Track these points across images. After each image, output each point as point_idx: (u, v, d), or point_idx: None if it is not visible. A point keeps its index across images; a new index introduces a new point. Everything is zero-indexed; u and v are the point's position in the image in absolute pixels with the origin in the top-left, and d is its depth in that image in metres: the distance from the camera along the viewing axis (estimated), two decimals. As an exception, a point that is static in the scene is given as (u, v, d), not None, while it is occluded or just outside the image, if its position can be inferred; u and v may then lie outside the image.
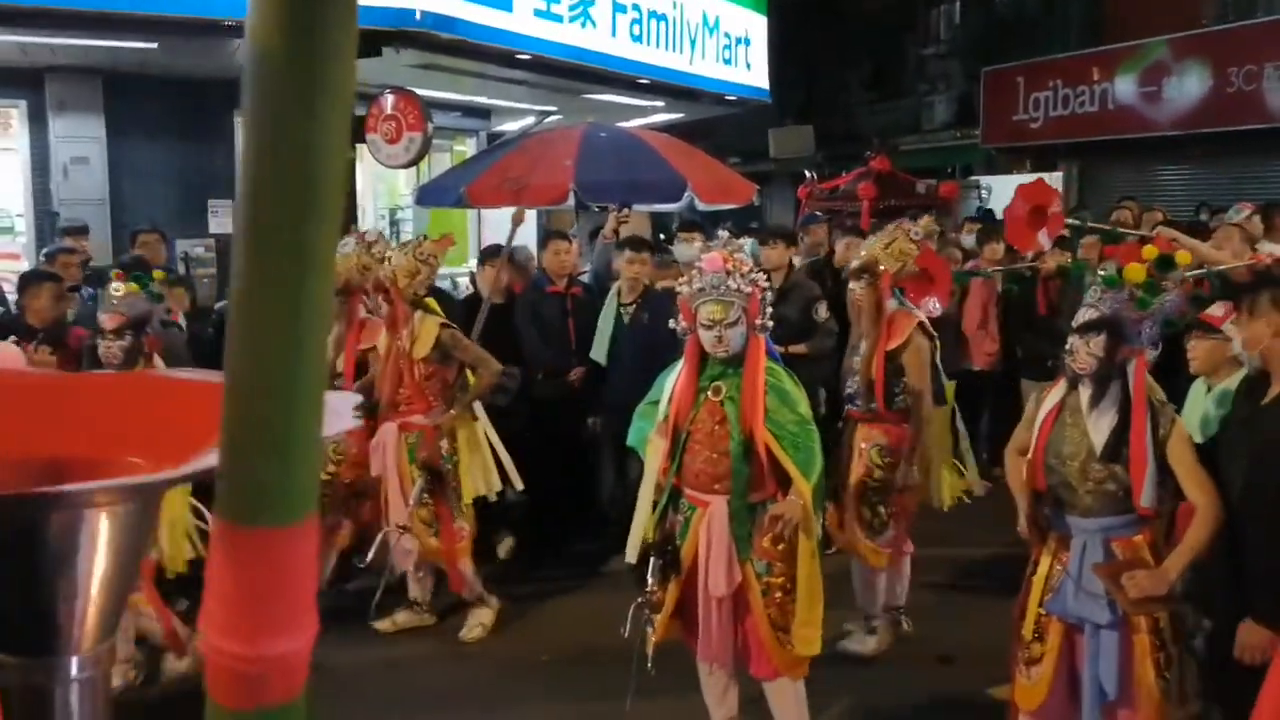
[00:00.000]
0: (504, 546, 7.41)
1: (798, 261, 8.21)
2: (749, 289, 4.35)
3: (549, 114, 14.18)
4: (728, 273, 4.36)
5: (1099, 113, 15.96)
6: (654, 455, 4.53)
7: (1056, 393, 4.07)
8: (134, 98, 11.26)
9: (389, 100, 10.08)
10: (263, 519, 0.75)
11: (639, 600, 4.43)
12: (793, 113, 21.50)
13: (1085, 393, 3.94)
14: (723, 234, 4.74)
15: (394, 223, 14.34)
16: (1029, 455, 4.12)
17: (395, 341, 5.95)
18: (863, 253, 5.83)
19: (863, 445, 5.68)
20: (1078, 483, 3.93)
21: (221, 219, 12.25)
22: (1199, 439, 4.15)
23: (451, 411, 5.96)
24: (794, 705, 4.57)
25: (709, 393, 4.42)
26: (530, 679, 5.65)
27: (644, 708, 4.62)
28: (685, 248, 7.78)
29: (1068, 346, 3.97)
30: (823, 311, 7.29)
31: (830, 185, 12.89)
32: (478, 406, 6.12)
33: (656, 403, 4.66)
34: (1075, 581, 3.91)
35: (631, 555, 4.59)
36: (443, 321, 5.99)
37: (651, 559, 4.46)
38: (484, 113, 14.95)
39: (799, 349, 6.98)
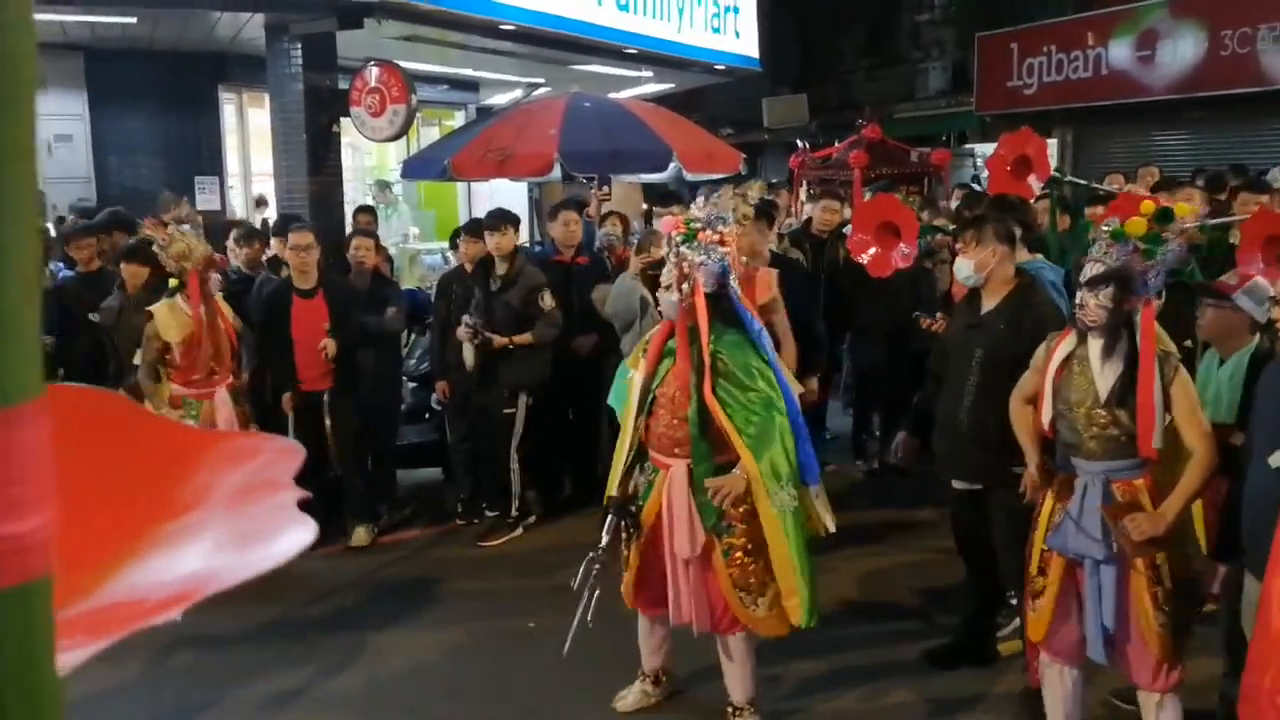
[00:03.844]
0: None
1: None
2: (674, 259, 4.38)
3: (537, 86, 14.09)
4: (668, 239, 4.43)
5: (1093, 78, 15.83)
6: (627, 414, 4.60)
7: (1067, 344, 4.21)
8: (116, 73, 11.19)
9: (373, 73, 10.02)
10: None
11: (590, 554, 4.43)
12: (786, 82, 21.35)
13: (1095, 344, 4.09)
14: (700, 200, 4.69)
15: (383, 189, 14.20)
16: (1039, 403, 4.28)
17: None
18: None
19: None
20: (1083, 428, 4.09)
21: (209, 195, 12.19)
22: (1213, 416, 4.27)
23: None
24: (742, 662, 4.65)
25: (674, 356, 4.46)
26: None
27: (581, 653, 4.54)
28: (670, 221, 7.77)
29: (1077, 300, 4.11)
30: (548, 299, 7.21)
31: (823, 154, 12.79)
32: None
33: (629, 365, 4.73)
34: (1075, 520, 4.10)
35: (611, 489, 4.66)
36: None
37: (610, 516, 4.51)
38: (472, 86, 14.86)
39: (523, 339, 7.10)
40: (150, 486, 1.21)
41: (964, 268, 5.02)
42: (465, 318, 7.05)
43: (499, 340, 7.08)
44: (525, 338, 7.12)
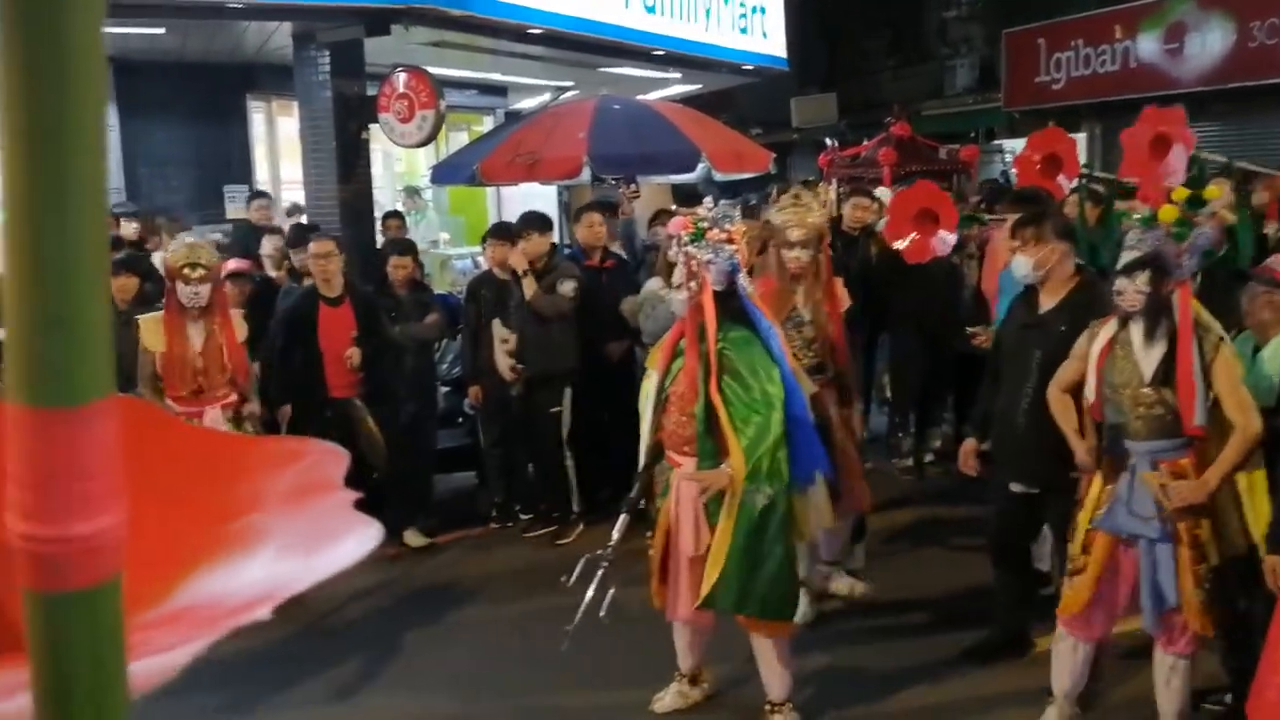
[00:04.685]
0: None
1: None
2: (682, 257, 4.42)
3: (565, 89, 14.09)
4: (675, 238, 4.47)
5: (1121, 72, 15.70)
6: (645, 414, 4.67)
7: (1108, 330, 4.30)
8: (145, 84, 11.23)
9: (401, 79, 10.04)
10: (52, 399, 0.76)
11: (596, 552, 4.48)
12: (814, 81, 21.29)
13: (1137, 328, 4.19)
14: (708, 201, 4.69)
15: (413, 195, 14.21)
16: (1088, 390, 4.38)
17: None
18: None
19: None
20: (1129, 409, 4.19)
21: (239, 204, 12.24)
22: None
23: None
24: (777, 659, 4.64)
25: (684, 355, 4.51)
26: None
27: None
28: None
29: (1115, 288, 4.18)
30: (568, 287, 7.16)
31: (852, 152, 12.74)
32: None
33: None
34: (1125, 502, 4.19)
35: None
36: None
37: (622, 515, 4.58)
38: (500, 90, 14.88)
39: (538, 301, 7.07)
40: (198, 491, 1.20)
41: (1022, 265, 4.95)
42: (513, 364, 7.12)
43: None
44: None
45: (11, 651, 0.89)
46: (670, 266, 4.71)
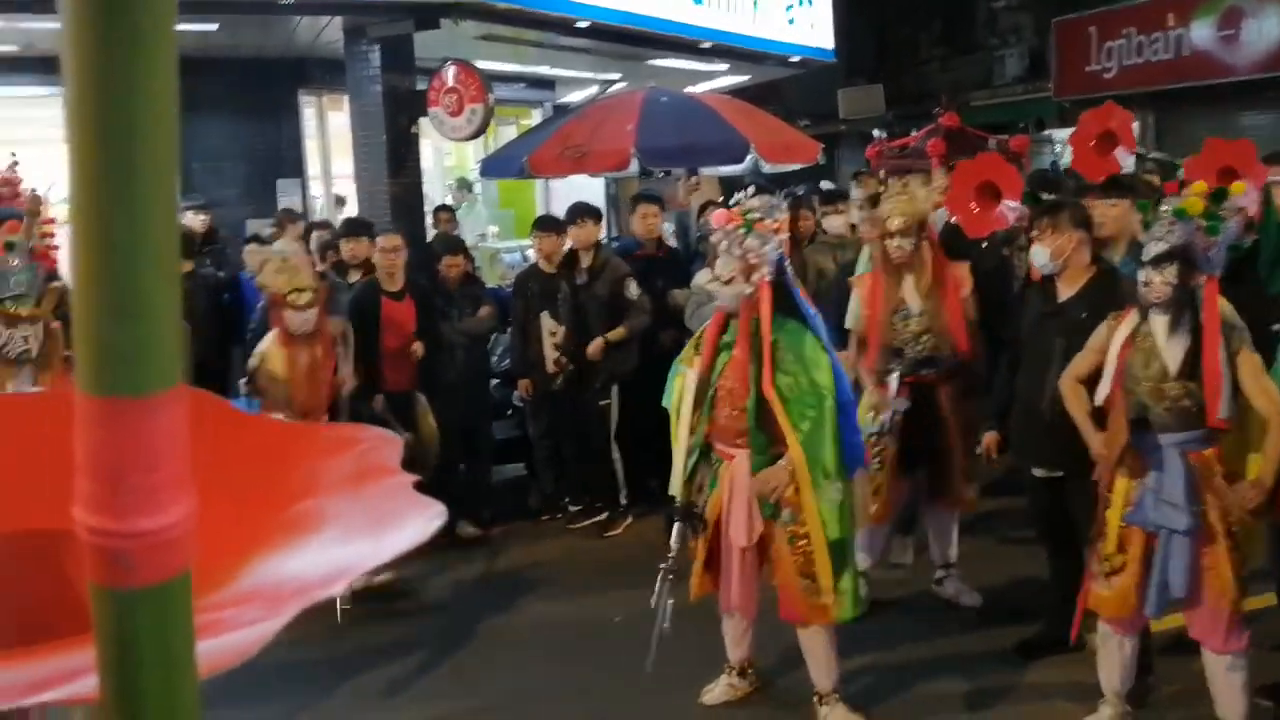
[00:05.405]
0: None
1: (853, 216, 8.06)
2: (738, 251, 4.37)
3: (612, 82, 14.11)
4: (727, 234, 4.42)
5: (1174, 59, 15.48)
6: (684, 411, 4.61)
7: (1129, 323, 4.29)
8: (199, 80, 11.30)
9: (450, 73, 10.09)
10: (118, 387, 0.74)
11: (661, 565, 4.49)
12: (862, 72, 21.18)
13: (1160, 319, 4.18)
14: (749, 190, 4.66)
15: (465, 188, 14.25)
16: (1106, 382, 4.34)
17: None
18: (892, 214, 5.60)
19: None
20: (1153, 402, 4.19)
21: (292, 198, 12.36)
22: None
23: None
24: (823, 651, 4.64)
25: (733, 348, 4.49)
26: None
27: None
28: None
29: (1142, 279, 4.17)
30: (634, 289, 7.21)
31: (900, 144, 12.67)
32: None
33: (684, 358, 4.76)
34: (1154, 493, 4.18)
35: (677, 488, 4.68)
36: None
37: (676, 523, 4.55)
38: (548, 84, 14.92)
39: (618, 334, 7.15)
40: (257, 476, 1.21)
41: (1040, 255, 4.99)
42: (557, 356, 7.15)
43: (593, 350, 7.15)
44: (619, 333, 7.18)
45: (74, 635, 0.89)
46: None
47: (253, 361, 5.93)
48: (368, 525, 1.10)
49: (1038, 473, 5.12)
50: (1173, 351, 4.15)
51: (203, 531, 0.85)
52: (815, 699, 4.72)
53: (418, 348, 6.83)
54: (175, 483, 0.78)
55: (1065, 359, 4.73)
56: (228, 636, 0.90)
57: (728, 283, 4.43)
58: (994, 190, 6.27)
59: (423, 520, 1.08)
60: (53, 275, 5.19)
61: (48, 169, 8.91)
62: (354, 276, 7.36)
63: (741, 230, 4.39)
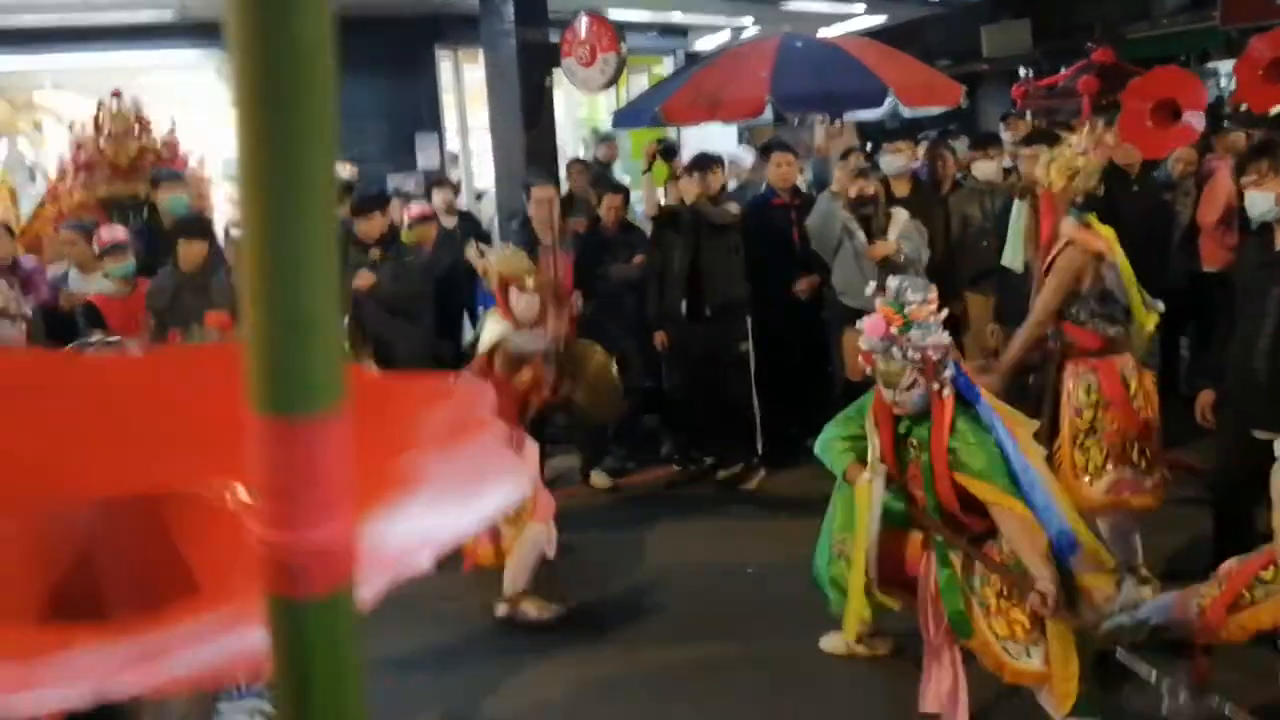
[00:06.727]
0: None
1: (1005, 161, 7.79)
2: (916, 354, 4.00)
3: (744, 28, 13.92)
4: (891, 339, 4.04)
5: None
6: (864, 500, 4.22)
7: None
8: (338, 39, 11.53)
9: (582, 24, 10.07)
10: (290, 407, 0.77)
11: None
12: (1007, 7, 20.43)
13: None
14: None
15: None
16: None
17: None
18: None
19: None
20: None
21: (430, 154, 12.51)
22: None
23: None
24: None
25: (913, 446, 4.17)
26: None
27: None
28: (892, 159, 7.78)
29: None
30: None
31: (1048, 83, 12.19)
32: None
33: (852, 418, 4.45)
34: None
35: (849, 633, 4.53)
36: None
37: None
38: (680, 31, 14.80)
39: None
40: (359, 428, 1.21)
41: (1260, 201, 4.65)
42: None
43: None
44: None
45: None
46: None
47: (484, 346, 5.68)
48: (458, 490, 1.12)
49: (1259, 435, 4.58)
50: None
51: None
52: None
53: (576, 297, 6.65)
54: (341, 495, 0.81)
55: None
56: None
57: (909, 388, 4.04)
58: (1171, 108, 5.90)
59: (509, 486, 1.12)
60: None
61: (205, 131, 9.29)
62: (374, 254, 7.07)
63: (900, 331, 4.02)
